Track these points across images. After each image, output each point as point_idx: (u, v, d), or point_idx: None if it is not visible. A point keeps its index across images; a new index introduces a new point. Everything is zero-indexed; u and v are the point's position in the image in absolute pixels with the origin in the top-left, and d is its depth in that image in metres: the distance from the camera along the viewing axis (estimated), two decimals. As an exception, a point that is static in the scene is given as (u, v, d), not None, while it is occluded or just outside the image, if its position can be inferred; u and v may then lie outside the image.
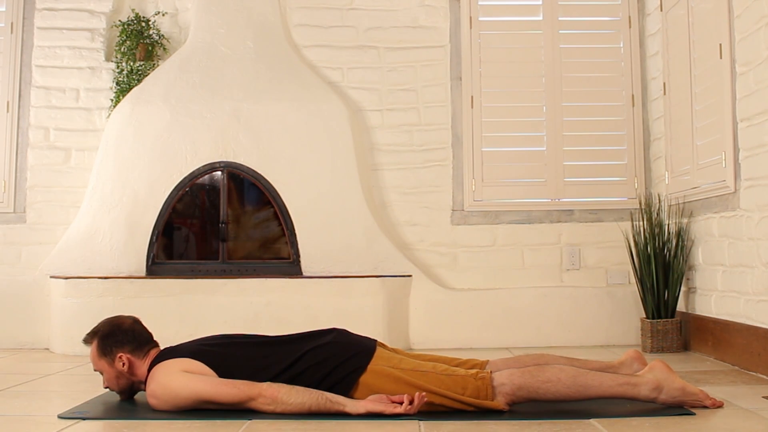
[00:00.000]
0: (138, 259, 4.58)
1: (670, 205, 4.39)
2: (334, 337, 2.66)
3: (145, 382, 2.65)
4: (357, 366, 2.53)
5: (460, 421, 2.40)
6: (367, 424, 2.42)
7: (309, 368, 2.55)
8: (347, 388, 2.52)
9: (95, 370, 2.73)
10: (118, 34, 4.91)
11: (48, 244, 4.75)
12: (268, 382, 2.50)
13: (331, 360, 2.55)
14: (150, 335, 2.77)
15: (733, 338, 3.63)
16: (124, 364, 2.66)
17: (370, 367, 2.53)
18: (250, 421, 2.43)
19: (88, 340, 2.72)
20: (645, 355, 2.88)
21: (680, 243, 4.17)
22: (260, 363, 2.58)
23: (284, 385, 2.49)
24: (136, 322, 2.77)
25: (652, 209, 4.32)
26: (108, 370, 2.69)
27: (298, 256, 4.63)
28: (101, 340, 2.68)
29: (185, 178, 4.67)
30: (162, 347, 2.74)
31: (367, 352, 2.57)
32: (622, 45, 4.84)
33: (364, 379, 2.52)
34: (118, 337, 2.69)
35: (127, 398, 2.77)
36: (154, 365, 2.62)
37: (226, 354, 2.62)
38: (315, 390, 2.49)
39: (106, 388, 2.75)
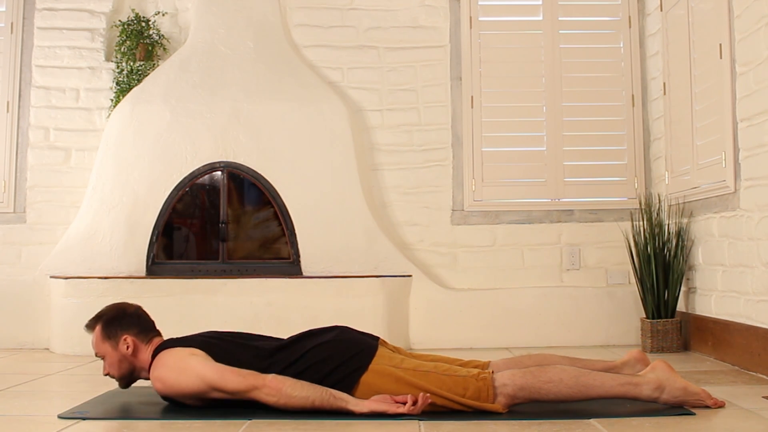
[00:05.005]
0: (138, 259, 4.58)
1: (670, 205, 4.39)
2: (336, 334, 2.65)
3: (148, 370, 2.63)
4: (359, 365, 2.53)
5: (460, 421, 2.40)
6: (367, 424, 2.42)
7: (310, 366, 2.55)
8: (348, 387, 2.52)
9: (97, 355, 2.69)
10: (118, 34, 4.91)
11: (48, 244, 4.75)
12: (273, 374, 2.50)
13: (333, 359, 2.55)
14: (153, 323, 2.77)
15: (733, 338, 3.63)
16: (128, 347, 2.65)
17: (371, 366, 2.53)
18: (250, 421, 2.43)
19: (91, 324, 2.70)
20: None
21: (680, 243, 4.17)
22: (263, 364, 2.58)
23: (289, 378, 2.50)
24: (140, 308, 2.79)
25: (652, 209, 4.32)
26: (111, 354, 2.66)
27: (298, 256, 4.63)
28: (106, 322, 2.68)
29: (185, 178, 4.67)
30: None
31: (369, 352, 2.57)
32: (622, 45, 4.84)
33: (366, 378, 2.52)
34: (124, 321, 2.69)
35: (126, 386, 2.73)
36: (159, 352, 2.62)
37: (230, 352, 2.62)
38: (319, 386, 2.49)
39: (106, 374, 2.70)
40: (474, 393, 2.47)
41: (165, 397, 2.63)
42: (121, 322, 2.68)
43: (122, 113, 4.71)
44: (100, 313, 2.73)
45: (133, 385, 2.78)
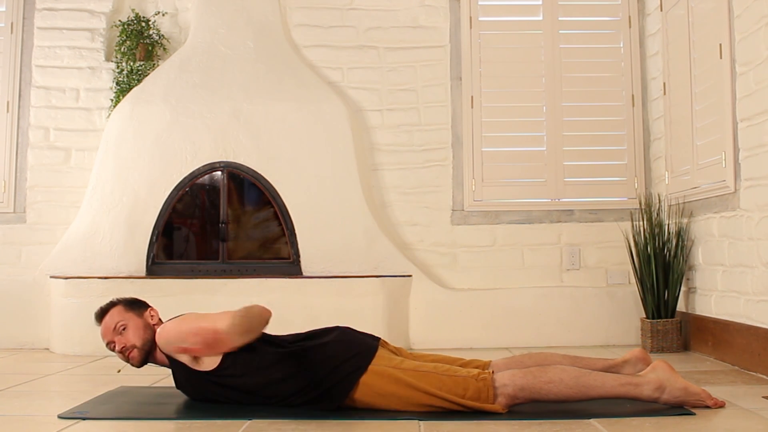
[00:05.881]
0: (138, 259, 4.58)
1: (670, 205, 4.39)
2: (336, 335, 2.67)
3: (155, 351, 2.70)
4: (358, 366, 2.53)
5: (460, 421, 2.41)
6: (366, 423, 2.43)
7: (310, 366, 2.55)
8: (348, 388, 2.52)
9: (115, 329, 2.69)
10: (118, 34, 4.91)
11: (48, 244, 4.75)
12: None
13: (333, 359, 2.55)
14: None
15: (733, 338, 3.63)
16: (153, 317, 2.74)
17: (371, 367, 2.53)
18: (250, 421, 2.43)
19: (107, 307, 2.74)
20: (645, 355, 2.87)
21: (680, 243, 4.17)
22: (260, 349, 2.63)
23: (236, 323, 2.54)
24: None
25: (652, 209, 4.32)
26: (135, 320, 2.71)
27: (298, 256, 4.63)
28: (129, 300, 2.78)
29: (185, 178, 4.67)
30: None
31: (369, 352, 2.57)
32: (622, 45, 4.84)
33: (365, 379, 2.52)
34: (145, 303, 2.81)
35: (142, 362, 2.71)
36: None
37: None
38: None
39: (120, 350, 2.69)
40: (474, 393, 2.47)
41: (168, 357, 2.68)
42: (143, 303, 2.81)
43: (122, 113, 4.71)
44: (114, 299, 2.81)
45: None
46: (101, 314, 2.74)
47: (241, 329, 2.51)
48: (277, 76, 4.80)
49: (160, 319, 2.76)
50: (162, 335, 2.61)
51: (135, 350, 2.68)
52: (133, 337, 2.68)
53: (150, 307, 2.80)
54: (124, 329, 2.68)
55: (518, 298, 4.62)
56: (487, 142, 4.80)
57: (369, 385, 2.52)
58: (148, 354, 2.71)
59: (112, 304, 2.76)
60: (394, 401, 2.51)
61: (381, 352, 2.60)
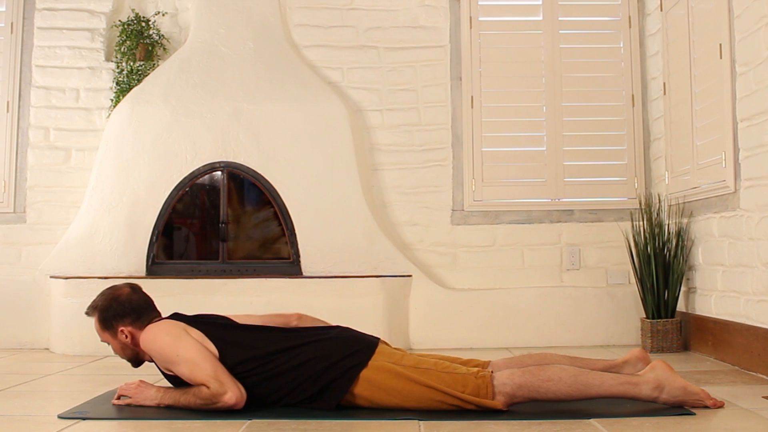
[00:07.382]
0: (138, 259, 4.58)
1: (670, 205, 4.40)
2: (337, 332, 2.69)
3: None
4: (358, 361, 2.55)
5: (460, 421, 2.41)
6: (366, 423, 2.43)
7: (309, 360, 2.57)
8: (348, 383, 2.53)
9: (102, 341, 2.79)
10: (118, 34, 4.91)
11: (48, 244, 4.75)
12: (238, 392, 2.51)
13: (333, 354, 2.56)
14: (150, 302, 2.80)
15: (733, 338, 3.63)
16: (126, 336, 2.71)
17: (371, 362, 2.54)
18: (250, 421, 2.44)
19: (89, 313, 2.77)
20: (645, 355, 2.87)
21: (680, 243, 4.17)
22: (260, 341, 2.64)
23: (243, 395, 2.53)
24: (134, 291, 2.79)
25: (652, 209, 4.32)
26: (113, 342, 2.75)
27: (298, 256, 4.63)
28: (101, 313, 2.73)
29: (185, 178, 4.67)
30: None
31: (369, 348, 2.58)
32: (622, 45, 4.84)
33: (365, 374, 2.53)
34: (117, 311, 2.71)
35: (136, 366, 2.81)
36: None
37: (230, 333, 2.68)
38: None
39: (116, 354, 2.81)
40: (473, 390, 2.47)
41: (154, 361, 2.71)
42: (114, 314, 2.72)
43: (122, 113, 4.71)
44: (93, 303, 2.77)
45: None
46: (88, 315, 2.79)
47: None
48: (277, 76, 4.80)
49: (131, 332, 2.70)
50: (146, 338, 2.65)
51: (124, 359, 2.80)
52: (116, 353, 2.79)
53: (120, 327, 2.69)
54: (108, 344, 2.78)
55: (518, 298, 4.62)
56: (487, 142, 4.80)
57: (369, 380, 2.53)
58: (137, 363, 2.79)
59: (92, 310, 2.75)
60: (395, 396, 2.52)
61: (381, 348, 2.62)
